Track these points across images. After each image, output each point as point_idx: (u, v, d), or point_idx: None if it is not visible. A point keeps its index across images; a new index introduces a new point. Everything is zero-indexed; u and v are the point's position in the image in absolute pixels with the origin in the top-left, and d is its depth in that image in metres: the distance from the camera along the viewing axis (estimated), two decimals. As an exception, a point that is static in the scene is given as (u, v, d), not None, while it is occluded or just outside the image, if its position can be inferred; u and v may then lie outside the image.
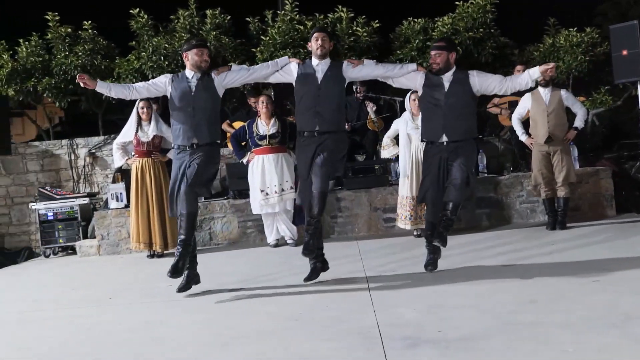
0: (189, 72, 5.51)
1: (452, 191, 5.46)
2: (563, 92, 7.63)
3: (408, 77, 5.69)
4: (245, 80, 5.72)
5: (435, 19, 9.66)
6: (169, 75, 5.60)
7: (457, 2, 9.63)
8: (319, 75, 5.46)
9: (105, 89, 5.49)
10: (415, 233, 7.63)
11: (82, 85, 5.34)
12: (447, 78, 5.57)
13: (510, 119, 8.03)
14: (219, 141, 5.64)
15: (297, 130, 5.64)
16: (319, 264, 5.62)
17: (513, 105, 8.40)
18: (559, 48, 9.55)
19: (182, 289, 5.51)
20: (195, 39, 5.75)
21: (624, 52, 8.69)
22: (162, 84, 5.54)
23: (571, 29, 9.62)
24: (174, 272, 5.33)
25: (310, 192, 5.47)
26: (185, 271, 5.50)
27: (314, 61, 5.53)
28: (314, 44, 5.51)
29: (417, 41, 9.40)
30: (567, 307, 4.19)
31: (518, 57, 9.79)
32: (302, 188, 5.62)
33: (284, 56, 8.74)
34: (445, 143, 5.53)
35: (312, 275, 5.57)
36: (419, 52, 9.31)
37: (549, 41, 9.72)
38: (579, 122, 7.62)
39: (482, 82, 5.59)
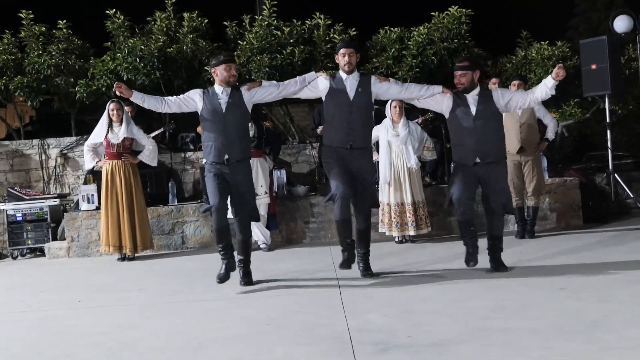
0: (218, 88, 5.56)
1: (498, 222, 5.79)
2: (535, 104, 7.76)
3: (434, 99, 5.79)
4: (275, 97, 5.77)
5: (411, 28, 9.74)
6: (199, 91, 5.63)
7: (432, 13, 9.74)
8: (350, 91, 5.54)
9: (140, 99, 5.54)
10: (396, 239, 7.70)
11: (117, 93, 5.38)
12: (472, 98, 5.67)
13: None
14: (249, 156, 5.74)
15: (325, 144, 5.78)
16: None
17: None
18: (531, 60, 9.70)
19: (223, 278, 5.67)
20: (223, 54, 5.71)
21: (593, 66, 8.90)
22: (192, 100, 5.57)
23: (543, 42, 9.79)
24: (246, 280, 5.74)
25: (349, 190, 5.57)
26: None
27: (343, 75, 5.59)
28: (342, 60, 5.58)
29: (392, 50, 9.48)
30: (536, 314, 4.27)
31: (491, 68, 9.92)
32: (341, 188, 5.56)
33: (261, 61, 8.83)
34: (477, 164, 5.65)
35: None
36: (394, 60, 9.40)
37: (521, 53, 9.87)
38: (549, 134, 7.75)
39: (506, 98, 5.69)
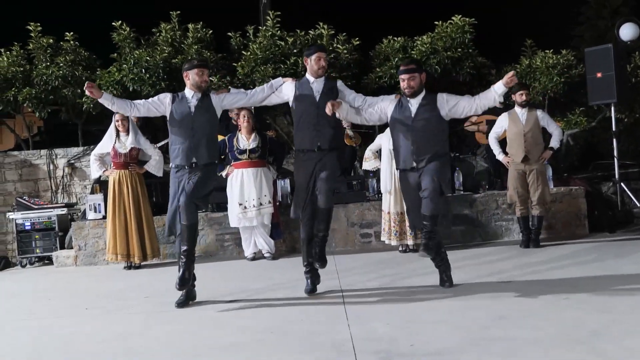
0: (188, 92, 5.58)
1: (426, 203, 5.38)
2: (539, 112, 7.78)
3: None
4: (243, 103, 5.80)
5: (415, 38, 9.80)
6: (169, 95, 5.65)
7: (436, 22, 9.79)
8: (317, 94, 5.55)
9: (109, 101, 5.52)
10: (400, 249, 7.72)
11: (87, 93, 5.37)
12: (416, 101, 5.50)
13: (487, 137, 8.15)
14: (216, 161, 5.76)
15: (295, 148, 5.74)
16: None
17: (490, 123, 8.53)
18: (535, 69, 9.72)
19: (181, 304, 5.51)
20: (197, 59, 5.78)
21: (599, 75, 8.89)
22: (162, 103, 5.59)
23: (547, 51, 9.81)
24: (182, 283, 5.41)
25: (310, 208, 5.56)
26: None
27: (310, 79, 5.61)
28: (315, 64, 5.56)
29: (396, 59, 9.52)
30: (537, 324, 4.28)
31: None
32: (298, 202, 5.65)
33: (265, 72, 8.89)
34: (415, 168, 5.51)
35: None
36: (397, 69, 9.43)
37: (525, 62, 9.90)
38: (554, 142, 7.76)
39: (450, 103, 5.46)
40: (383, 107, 5.64)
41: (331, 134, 5.57)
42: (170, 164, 5.66)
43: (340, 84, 5.73)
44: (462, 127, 9.40)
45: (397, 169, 5.78)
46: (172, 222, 5.52)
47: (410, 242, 7.63)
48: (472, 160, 9.61)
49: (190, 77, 5.55)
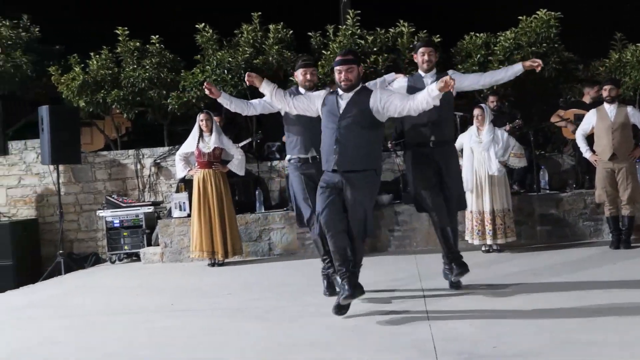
0: (302, 90, 5.65)
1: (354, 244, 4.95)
2: (630, 109, 7.47)
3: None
4: None
5: (498, 33, 9.60)
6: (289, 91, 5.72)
7: (520, 17, 9.56)
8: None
9: (227, 100, 5.76)
10: (483, 248, 7.60)
11: (207, 92, 5.58)
12: (347, 96, 4.98)
13: (575, 133, 7.91)
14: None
15: (408, 143, 5.75)
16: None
17: (578, 118, 8.28)
18: (626, 63, 9.36)
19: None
20: (302, 58, 5.89)
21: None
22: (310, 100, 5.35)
23: (639, 44, 9.41)
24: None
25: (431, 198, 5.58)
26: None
27: (421, 74, 5.64)
28: (420, 59, 5.61)
29: (478, 56, 9.36)
30: (625, 327, 4.14)
31: (583, 72, 9.64)
32: (423, 195, 5.60)
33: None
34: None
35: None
36: (480, 66, 9.27)
37: (615, 56, 9.53)
38: (645, 139, 7.46)
39: (383, 101, 4.90)
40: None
41: (448, 126, 5.66)
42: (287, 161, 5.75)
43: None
44: (549, 123, 9.14)
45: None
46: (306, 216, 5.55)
47: (489, 241, 7.46)
48: (558, 157, 9.36)
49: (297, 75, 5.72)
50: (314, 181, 5.36)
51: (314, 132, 5.29)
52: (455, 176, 5.75)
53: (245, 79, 5.23)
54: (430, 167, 5.56)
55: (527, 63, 5.56)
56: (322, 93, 5.15)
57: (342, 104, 4.92)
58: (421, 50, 5.63)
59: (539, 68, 5.55)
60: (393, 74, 5.88)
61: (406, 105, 4.86)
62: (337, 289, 5.21)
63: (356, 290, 4.83)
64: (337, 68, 4.96)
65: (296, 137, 5.65)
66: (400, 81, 5.71)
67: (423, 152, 5.57)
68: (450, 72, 5.68)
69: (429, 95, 4.77)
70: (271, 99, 5.24)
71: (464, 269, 5.52)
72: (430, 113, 5.16)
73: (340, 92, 4.98)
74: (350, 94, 4.94)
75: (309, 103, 5.12)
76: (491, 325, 4.40)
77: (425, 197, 5.58)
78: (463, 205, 5.89)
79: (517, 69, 5.58)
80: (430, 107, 4.87)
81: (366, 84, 5.74)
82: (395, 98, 4.91)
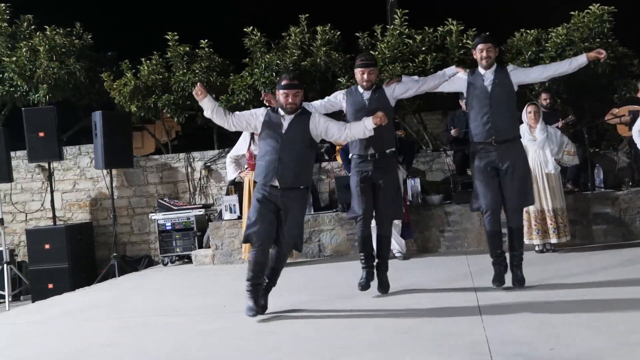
0: (360, 88, 5.72)
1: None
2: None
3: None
4: (414, 92, 5.82)
5: (549, 29, 9.41)
6: (342, 92, 5.87)
7: (572, 12, 9.36)
8: (489, 86, 5.52)
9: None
10: (537, 248, 7.46)
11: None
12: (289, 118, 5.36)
13: (630, 129, 7.72)
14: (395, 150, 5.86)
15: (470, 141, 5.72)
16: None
17: (634, 115, 8.07)
18: (683, 57, 9.08)
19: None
20: (360, 57, 5.86)
21: None
22: (336, 99, 5.81)
23: (696, 37, 9.13)
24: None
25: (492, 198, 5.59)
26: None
27: (481, 71, 5.59)
28: (478, 55, 5.58)
29: (529, 53, 9.20)
30: (690, 330, 4.00)
31: (637, 67, 9.38)
32: (484, 193, 5.62)
33: (394, 71, 8.85)
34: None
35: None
36: (531, 63, 9.09)
37: (673, 50, 9.26)
38: None
39: (320, 127, 5.35)
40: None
41: (510, 123, 5.59)
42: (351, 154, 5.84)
43: (384, 86, 5.77)
44: (603, 120, 8.93)
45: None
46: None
47: (554, 240, 7.31)
48: (613, 155, 9.14)
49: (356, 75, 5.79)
50: (369, 180, 5.66)
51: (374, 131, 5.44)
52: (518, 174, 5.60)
53: (194, 92, 5.35)
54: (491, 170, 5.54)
55: (592, 54, 5.47)
56: (261, 110, 5.42)
57: (285, 124, 5.26)
58: (479, 46, 5.58)
59: (604, 58, 5.49)
60: (454, 67, 5.83)
61: (343, 133, 5.36)
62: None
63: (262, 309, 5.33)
64: (284, 91, 5.25)
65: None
66: (460, 76, 5.68)
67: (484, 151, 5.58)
68: (510, 66, 5.68)
69: (366, 128, 5.29)
70: (211, 115, 5.40)
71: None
72: (485, 110, 5.42)
73: (282, 112, 5.30)
74: (292, 116, 5.27)
75: (248, 121, 5.40)
76: (547, 327, 4.31)
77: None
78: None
79: (581, 60, 5.49)
80: (366, 136, 5.37)
81: (405, 77, 5.82)
82: (333, 125, 5.33)
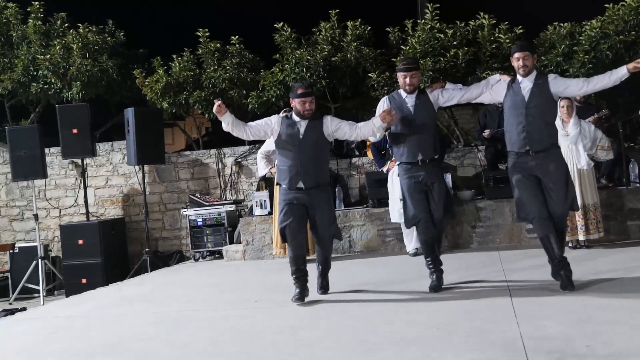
0: (403, 93, 5.75)
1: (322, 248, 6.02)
2: None
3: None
4: (458, 100, 5.81)
5: (583, 22, 9.26)
6: (386, 98, 5.90)
7: (606, 5, 9.19)
8: (526, 94, 5.44)
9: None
10: (570, 245, 7.37)
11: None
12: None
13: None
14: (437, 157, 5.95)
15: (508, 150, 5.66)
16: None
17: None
18: None
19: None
20: (403, 62, 5.88)
21: None
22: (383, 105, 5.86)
23: None
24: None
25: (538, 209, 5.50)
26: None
27: (519, 79, 5.51)
28: (515, 64, 5.51)
29: (562, 46, 9.06)
30: None
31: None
32: (528, 202, 5.55)
33: (425, 65, 8.79)
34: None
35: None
36: (564, 57, 8.97)
37: None
38: None
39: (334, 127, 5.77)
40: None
41: (546, 132, 5.47)
42: (398, 161, 5.89)
43: (428, 92, 5.78)
44: (637, 114, 8.77)
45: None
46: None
47: (581, 237, 7.25)
48: (649, 150, 8.97)
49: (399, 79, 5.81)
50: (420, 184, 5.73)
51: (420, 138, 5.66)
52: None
53: (214, 109, 5.63)
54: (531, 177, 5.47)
55: (632, 65, 5.25)
56: (275, 119, 5.77)
57: (302, 129, 5.65)
58: (516, 55, 5.49)
59: None
60: (497, 76, 5.76)
61: (353, 132, 5.78)
62: None
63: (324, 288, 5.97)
64: (301, 99, 5.64)
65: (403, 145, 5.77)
66: (501, 85, 5.60)
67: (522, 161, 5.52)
68: (552, 76, 5.54)
69: (374, 126, 5.66)
70: (230, 129, 5.74)
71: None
72: (521, 119, 5.41)
73: (296, 118, 5.69)
74: (307, 121, 5.66)
75: (264, 130, 5.77)
76: (582, 324, 4.25)
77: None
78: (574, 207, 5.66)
79: (621, 73, 5.30)
80: (377, 135, 5.84)
81: (449, 85, 5.77)
82: (345, 125, 5.74)
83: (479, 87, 5.69)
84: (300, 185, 5.64)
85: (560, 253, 5.43)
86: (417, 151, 5.65)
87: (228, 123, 5.66)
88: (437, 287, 5.70)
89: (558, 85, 5.46)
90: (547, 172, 5.41)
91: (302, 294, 5.65)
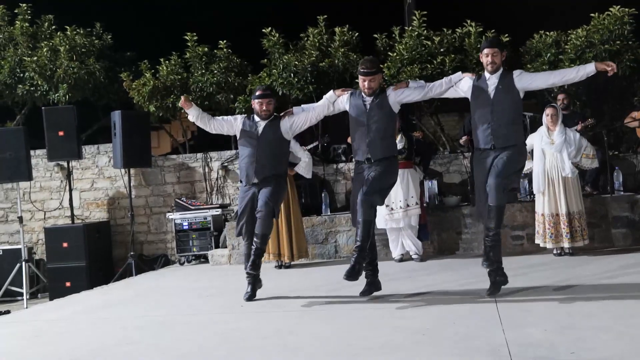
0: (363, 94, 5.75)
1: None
2: None
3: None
4: (420, 97, 5.81)
5: (568, 31, 9.36)
6: (347, 95, 5.89)
7: (592, 14, 9.29)
8: (491, 91, 5.47)
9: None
10: (555, 252, 7.43)
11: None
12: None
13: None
14: (395, 154, 5.88)
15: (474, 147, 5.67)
16: (500, 278, 5.54)
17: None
18: None
19: (364, 293, 5.82)
20: (362, 65, 5.87)
21: None
22: (341, 103, 5.92)
23: None
24: (350, 275, 5.46)
25: (485, 204, 5.45)
26: (367, 278, 5.83)
27: (486, 75, 5.55)
28: (484, 60, 5.54)
29: (548, 55, 9.15)
30: None
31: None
32: (478, 200, 5.64)
33: (412, 72, 8.83)
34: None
35: (494, 289, 5.51)
36: (550, 65, 9.06)
37: (692, 52, 9.16)
38: None
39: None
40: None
41: (511, 129, 5.46)
42: (353, 159, 5.97)
43: (389, 91, 5.76)
44: (622, 123, 8.87)
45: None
46: (353, 215, 5.83)
47: (566, 244, 7.31)
48: (632, 158, 9.07)
49: (360, 83, 5.77)
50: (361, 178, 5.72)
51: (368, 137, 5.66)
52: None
53: (180, 102, 6.13)
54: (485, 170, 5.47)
55: (601, 65, 5.31)
56: (240, 117, 6.25)
57: (260, 129, 6.07)
58: (485, 51, 5.53)
59: (612, 73, 5.33)
60: (459, 73, 5.80)
61: (310, 116, 6.04)
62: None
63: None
64: (258, 100, 6.08)
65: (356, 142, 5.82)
66: (466, 81, 5.65)
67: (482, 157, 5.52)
68: (517, 72, 5.57)
69: (328, 100, 5.89)
70: (195, 120, 6.17)
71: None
72: (487, 115, 5.42)
73: (257, 119, 6.11)
74: (266, 121, 6.07)
75: (228, 125, 6.24)
76: (567, 330, 4.29)
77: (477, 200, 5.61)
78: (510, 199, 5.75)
79: (589, 69, 5.34)
80: (331, 108, 5.93)
81: (432, 83, 5.77)
82: (298, 118, 6.05)
83: (442, 85, 5.70)
84: (255, 180, 6.03)
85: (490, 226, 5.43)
86: (367, 150, 5.64)
87: (193, 115, 6.12)
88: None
89: (524, 80, 5.47)
90: (501, 157, 5.38)
91: (253, 293, 6.14)
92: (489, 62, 5.49)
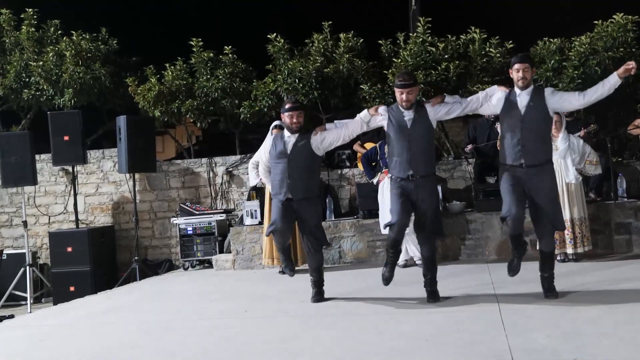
0: (401, 107, 5.71)
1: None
2: None
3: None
4: (459, 113, 5.80)
5: (572, 38, 9.37)
6: (385, 107, 5.88)
7: (595, 22, 9.31)
8: (522, 108, 5.44)
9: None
10: (559, 258, 7.43)
11: None
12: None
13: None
14: (434, 171, 6.01)
15: (500, 162, 5.67)
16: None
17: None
18: None
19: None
20: (399, 77, 5.87)
21: None
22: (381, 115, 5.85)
23: None
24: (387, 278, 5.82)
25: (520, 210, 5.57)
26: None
27: (517, 91, 5.51)
28: (515, 75, 5.51)
29: (552, 61, 9.16)
30: None
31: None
32: (513, 204, 5.61)
33: (417, 78, 8.83)
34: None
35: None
36: (554, 72, 9.07)
37: (697, 59, 9.17)
38: None
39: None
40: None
41: (541, 147, 5.49)
42: (391, 175, 5.92)
43: (428, 107, 5.77)
44: (625, 130, 8.87)
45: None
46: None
47: (569, 250, 7.31)
48: (636, 164, 9.07)
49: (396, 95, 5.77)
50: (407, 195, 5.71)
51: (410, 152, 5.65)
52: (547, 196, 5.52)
53: None
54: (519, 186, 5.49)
55: (622, 70, 5.29)
56: (269, 139, 6.48)
57: (290, 144, 5.94)
58: (516, 66, 5.48)
59: (634, 68, 5.30)
60: (495, 87, 5.73)
61: (341, 134, 5.90)
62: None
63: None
64: (288, 113, 5.93)
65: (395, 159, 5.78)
66: (497, 95, 5.61)
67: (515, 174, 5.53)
68: (548, 90, 5.55)
69: (362, 121, 5.81)
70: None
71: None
72: (517, 132, 5.42)
73: (288, 133, 6.00)
74: (296, 135, 5.94)
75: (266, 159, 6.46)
76: (570, 336, 4.30)
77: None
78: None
79: (614, 80, 5.31)
80: (364, 128, 5.93)
81: (469, 98, 5.79)
82: (329, 134, 5.90)
83: (478, 100, 5.67)
84: (289, 196, 5.90)
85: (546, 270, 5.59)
86: (409, 167, 5.62)
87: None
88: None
89: (555, 99, 5.46)
90: (538, 188, 5.43)
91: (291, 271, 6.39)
92: (520, 77, 5.44)
